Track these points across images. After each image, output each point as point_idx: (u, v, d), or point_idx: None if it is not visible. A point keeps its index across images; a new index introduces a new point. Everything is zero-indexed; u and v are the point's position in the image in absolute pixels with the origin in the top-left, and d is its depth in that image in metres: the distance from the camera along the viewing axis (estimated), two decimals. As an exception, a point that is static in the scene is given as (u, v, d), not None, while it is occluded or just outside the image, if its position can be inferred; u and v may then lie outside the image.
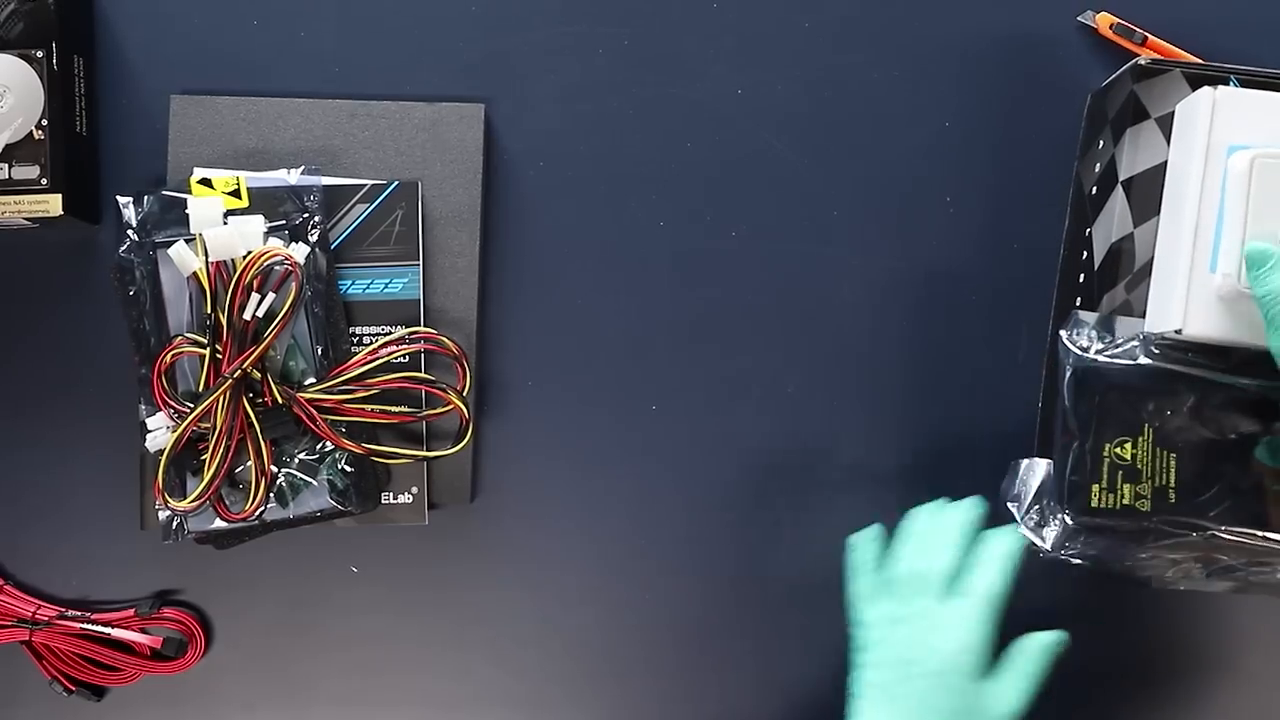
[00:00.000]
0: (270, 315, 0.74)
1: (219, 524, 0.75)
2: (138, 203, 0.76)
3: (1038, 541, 0.71)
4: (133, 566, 0.80)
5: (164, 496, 0.75)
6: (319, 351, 0.76)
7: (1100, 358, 0.69)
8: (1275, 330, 0.62)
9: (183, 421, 0.73)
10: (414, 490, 0.79)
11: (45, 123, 0.75)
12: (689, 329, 0.80)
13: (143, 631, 0.80)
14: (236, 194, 0.77)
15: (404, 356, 0.76)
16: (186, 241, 0.75)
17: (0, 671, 0.80)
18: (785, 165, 0.81)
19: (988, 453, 0.79)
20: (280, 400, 0.74)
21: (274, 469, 0.76)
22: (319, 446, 0.76)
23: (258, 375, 0.74)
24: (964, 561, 0.66)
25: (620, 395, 0.80)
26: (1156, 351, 0.69)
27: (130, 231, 0.76)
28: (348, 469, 0.76)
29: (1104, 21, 0.79)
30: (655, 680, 0.80)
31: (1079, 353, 0.69)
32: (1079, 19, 0.80)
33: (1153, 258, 0.71)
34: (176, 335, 0.75)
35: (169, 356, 0.75)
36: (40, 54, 0.76)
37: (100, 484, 0.79)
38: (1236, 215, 0.65)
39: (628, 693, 0.80)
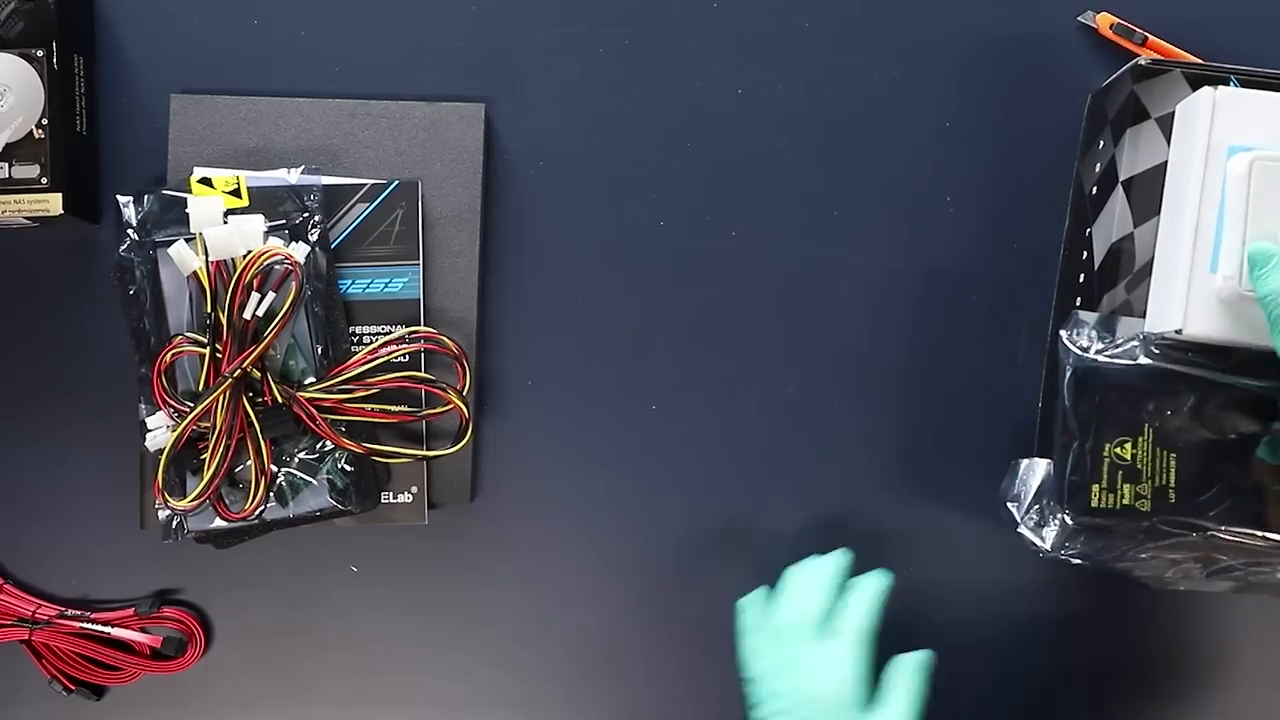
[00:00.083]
0: (270, 315, 0.74)
1: (219, 523, 0.75)
2: (138, 202, 0.76)
3: (1038, 541, 0.72)
4: (132, 566, 0.80)
5: (164, 496, 0.75)
6: (319, 351, 0.76)
7: (1100, 358, 0.69)
8: (1277, 331, 0.62)
9: (183, 421, 0.73)
10: (414, 490, 0.79)
11: (45, 122, 0.75)
12: (689, 329, 0.80)
13: (142, 631, 0.80)
14: (236, 193, 0.77)
15: (404, 356, 0.76)
16: (186, 241, 0.75)
17: (0, 671, 0.80)
18: (785, 165, 0.81)
19: (988, 453, 0.79)
20: (280, 399, 0.74)
21: (274, 468, 0.76)
22: (319, 446, 0.76)
23: (258, 374, 0.74)
24: (835, 606, 0.70)
25: (620, 395, 0.80)
26: (1156, 351, 0.69)
27: (130, 231, 0.76)
28: (347, 468, 0.76)
29: (1104, 21, 0.79)
30: (655, 680, 0.80)
31: (1079, 353, 0.70)
32: (1079, 19, 0.80)
33: (1153, 258, 0.71)
34: (176, 334, 0.75)
35: (169, 356, 0.75)
36: (40, 53, 0.76)
37: (100, 483, 0.79)
38: (1236, 217, 0.65)
39: (628, 693, 0.80)
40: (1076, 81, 0.80)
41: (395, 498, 0.79)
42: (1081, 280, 0.75)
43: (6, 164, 0.75)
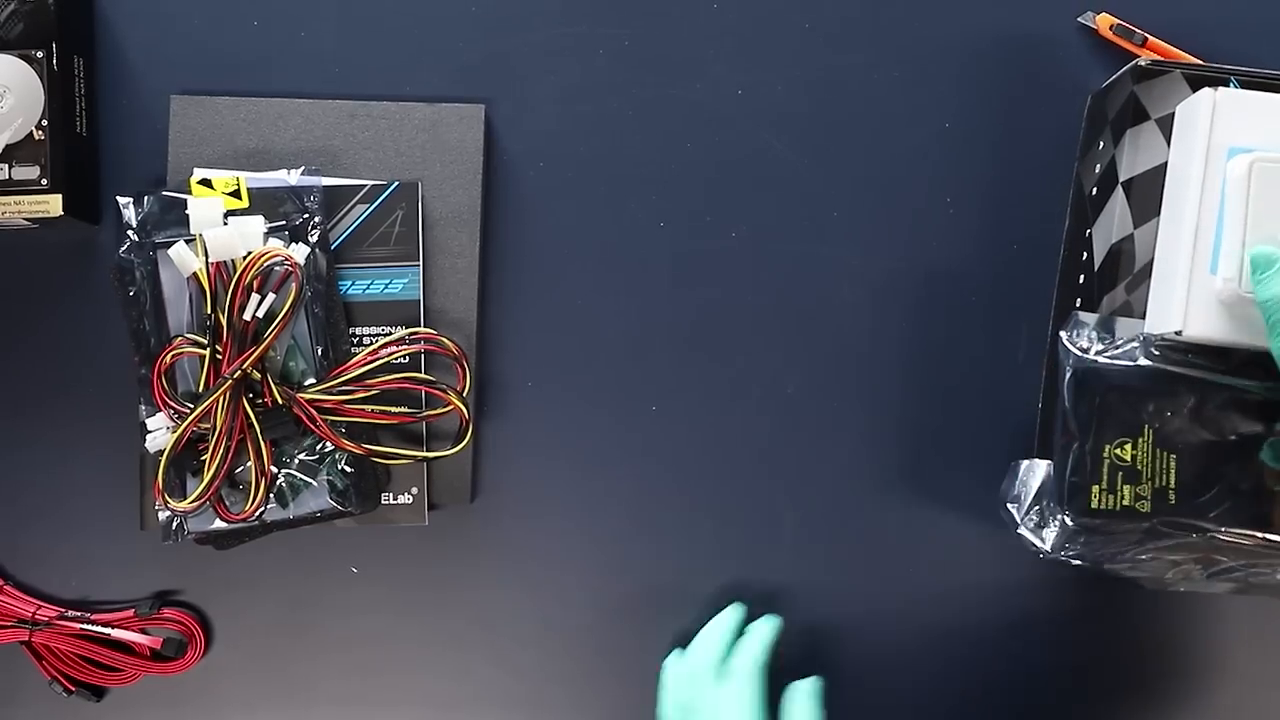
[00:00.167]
0: (270, 316, 0.74)
1: (219, 524, 0.75)
2: (138, 203, 0.76)
3: (1038, 542, 0.72)
4: (132, 567, 0.80)
5: (164, 497, 0.75)
6: (319, 352, 0.76)
7: (1100, 359, 0.69)
8: (1277, 335, 0.62)
9: (183, 422, 0.73)
10: (414, 491, 0.79)
11: (45, 123, 0.75)
12: (689, 329, 0.81)
13: (143, 632, 0.80)
14: (236, 194, 0.77)
15: (404, 357, 0.76)
16: (186, 242, 0.75)
17: (0, 672, 0.80)
18: (785, 166, 0.81)
19: (988, 453, 0.79)
20: (280, 401, 0.74)
21: (274, 469, 0.76)
22: (319, 447, 0.76)
23: (258, 376, 0.74)
24: (732, 651, 0.75)
25: (620, 395, 0.80)
26: (1156, 353, 0.69)
27: (130, 232, 0.76)
28: (348, 469, 0.76)
29: (1104, 22, 0.79)
30: (655, 680, 0.80)
31: (1079, 354, 0.69)
32: (1079, 20, 0.80)
33: (1153, 259, 0.71)
34: (176, 336, 0.75)
35: (169, 357, 0.75)
36: (40, 54, 0.76)
37: (100, 484, 0.79)
38: (1236, 220, 0.65)
39: (628, 693, 0.80)
40: (1076, 82, 0.80)
41: (395, 499, 0.79)
42: (1081, 281, 0.75)
43: (6, 165, 0.75)
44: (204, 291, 0.74)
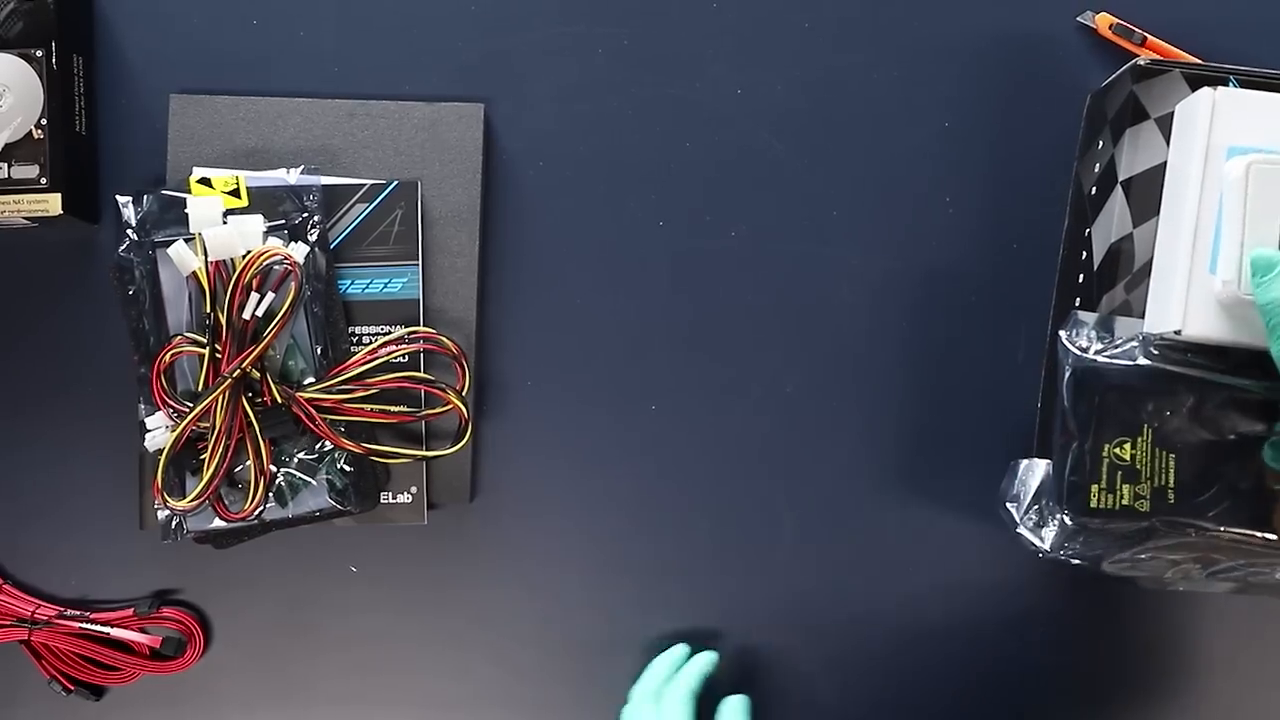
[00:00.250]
0: (269, 315, 0.74)
1: (218, 523, 0.75)
2: (137, 202, 0.76)
3: (1037, 542, 0.71)
4: (132, 566, 0.80)
5: (163, 496, 0.75)
6: (318, 351, 0.76)
7: (1099, 358, 0.69)
8: (1277, 338, 0.62)
9: (182, 421, 0.73)
10: (413, 490, 0.79)
11: (44, 122, 0.75)
12: (688, 329, 0.80)
13: (142, 631, 0.80)
14: (236, 193, 0.77)
15: (403, 356, 0.76)
16: (186, 241, 0.75)
17: (-1, 671, 0.80)
18: (785, 165, 0.81)
19: (987, 453, 0.79)
20: (279, 400, 0.74)
21: (273, 468, 0.76)
22: (318, 446, 0.76)
23: (257, 375, 0.74)
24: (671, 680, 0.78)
25: (619, 395, 0.80)
26: (1156, 352, 0.69)
27: (129, 231, 0.76)
28: (347, 468, 0.76)
29: (1103, 22, 0.79)
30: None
31: (1078, 353, 0.69)
32: (1078, 19, 0.80)
33: (1152, 258, 0.71)
34: (176, 335, 0.75)
35: (168, 356, 0.75)
36: (40, 53, 0.76)
37: (99, 483, 0.79)
38: (1234, 221, 0.65)
39: (627, 692, 0.80)
40: (1076, 82, 0.80)
41: (395, 498, 0.79)
42: (1081, 280, 0.75)
43: (6, 164, 0.75)
44: (203, 290, 0.74)
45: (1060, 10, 0.80)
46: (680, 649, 0.79)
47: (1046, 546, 0.71)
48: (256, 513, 0.75)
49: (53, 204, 0.76)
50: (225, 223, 0.75)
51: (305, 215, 0.77)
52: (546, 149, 0.81)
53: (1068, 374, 0.69)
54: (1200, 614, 0.81)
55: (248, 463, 0.74)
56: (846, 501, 0.80)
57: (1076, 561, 0.72)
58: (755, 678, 0.80)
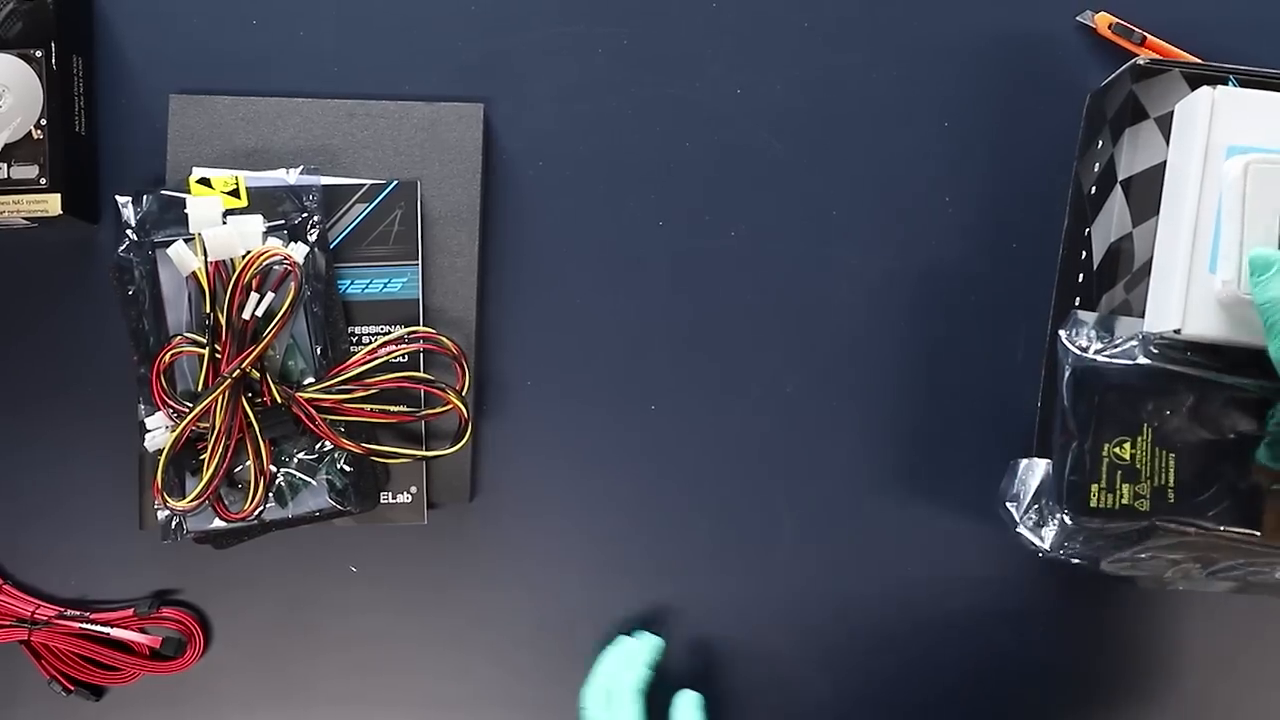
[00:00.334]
0: (269, 315, 0.74)
1: (218, 524, 0.75)
2: (137, 202, 0.76)
3: (1037, 541, 0.71)
4: (132, 566, 0.80)
5: (163, 496, 0.75)
6: (318, 351, 0.76)
7: (1099, 358, 0.69)
8: (1275, 337, 0.62)
9: (182, 421, 0.73)
10: (413, 490, 0.79)
11: (44, 122, 0.75)
12: (688, 329, 0.80)
13: (142, 631, 0.80)
14: (235, 193, 0.77)
15: (403, 356, 0.76)
16: (185, 241, 0.75)
17: (-1, 671, 0.80)
18: (784, 165, 0.81)
19: (987, 452, 0.79)
20: (279, 400, 0.74)
21: (273, 469, 0.76)
22: (318, 446, 0.76)
23: (257, 375, 0.74)
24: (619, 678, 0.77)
25: (619, 395, 0.80)
26: (1155, 351, 0.69)
27: (129, 231, 0.76)
28: (347, 469, 0.76)
29: (1103, 21, 0.79)
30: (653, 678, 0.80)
31: (1078, 352, 0.69)
32: (1078, 19, 0.80)
33: (1151, 257, 0.71)
34: (175, 335, 0.75)
35: (168, 356, 0.75)
36: (39, 53, 0.76)
37: (99, 483, 0.79)
38: (1233, 221, 0.65)
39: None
40: (1075, 81, 0.80)
41: (394, 498, 0.79)
42: (1080, 280, 0.75)
43: (5, 164, 0.75)
44: (203, 291, 0.74)
45: (1060, 10, 0.80)
46: (624, 643, 0.78)
47: (1046, 546, 0.71)
48: (256, 513, 0.75)
49: (52, 204, 0.76)
50: (225, 223, 0.75)
51: (305, 215, 0.77)
52: (546, 149, 0.81)
53: (1067, 373, 0.69)
54: (1200, 614, 0.80)
55: (247, 463, 0.74)
56: (846, 501, 0.80)
57: (1076, 561, 0.72)
58: (754, 677, 0.80)
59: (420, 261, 0.78)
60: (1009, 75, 0.81)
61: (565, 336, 0.80)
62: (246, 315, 0.73)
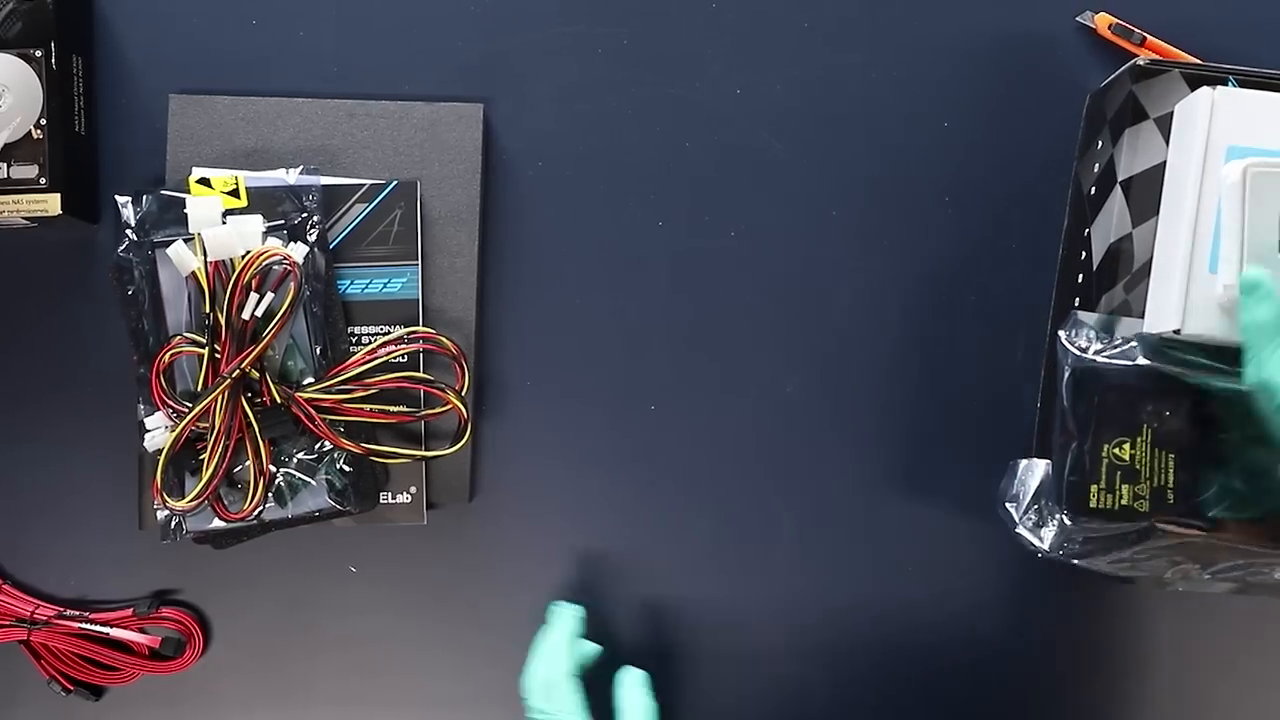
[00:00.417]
0: (269, 315, 0.74)
1: (217, 524, 0.75)
2: (136, 202, 0.76)
3: (1036, 542, 0.71)
4: (131, 566, 0.80)
5: (162, 496, 0.75)
6: (318, 351, 0.76)
7: (1099, 358, 0.69)
8: (1251, 361, 0.62)
9: (181, 421, 0.73)
10: (412, 490, 0.79)
11: (44, 122, 0.75)
12: (687, 329, 0.80)
13: (141, 631, 0.80)
14: (235, 193, 0.77)
15: (402, 356, 0.76)
16: (185, 241, 0.75)
17: (-1, 671, 0.80)
18: (784, 165, 0.81)
19: (986, 452, 0.79)
20: (279, 400, 0.74)
21: (272, 469, 0.76)
22: (317, 446, 0.76)
23: (256, 375, 0.74)
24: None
25: (619, 395, 0.80)
26: (1155, 352, 0.69)
27: (129, 231, 0.76)
28: (346, 469, 0.76)
29: (1103, 22, 0.79)
30: (654, 679, 0.80)
31: (1078, 353, 0.69)
32: (1078, 19, 0.80)
33: (1151, 258, 0.71)
34: (175, 335, 0.75)
35: (167, 356, 0.75)
36: (39, 53, 0.76)
37: (99, 483, 0.79)
38: (1233, 225, 0.65)
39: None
40: (1075, 82, 0.80)
41: (394, 498, 0.79)
42: (1080, 280, 0.75)
43: (5, 164, 0.75)
44: (202, 291, 0.74)
45: (1059, 10, 0.80)
46: (552, 627, 0.76)
47: (1046, 546, 0.71)
48: (256, 513, 0.75)
49: (52, 204, 0.76)
50: (224, 223, 0.75)
51: (304, 215, 0.77)
52: (546, 149, 0.81)
53: (1067, 374, 0.69)
54: (1200, 614, 0.80)
55: (247, 463, 0.74)
56: (845, 501, 0.80)
57: (1076, 561, 0.72)
58: (753, 677, 0.80)
59: (420, 261, 0.78)
60: (1009, 75, 0.81)
61: (565, 336, 0.80)
62: (246, 315, 0.73)
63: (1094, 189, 0.75)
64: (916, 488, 0.80)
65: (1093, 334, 0.70)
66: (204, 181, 0.77)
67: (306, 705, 0.80)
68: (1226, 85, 0.69)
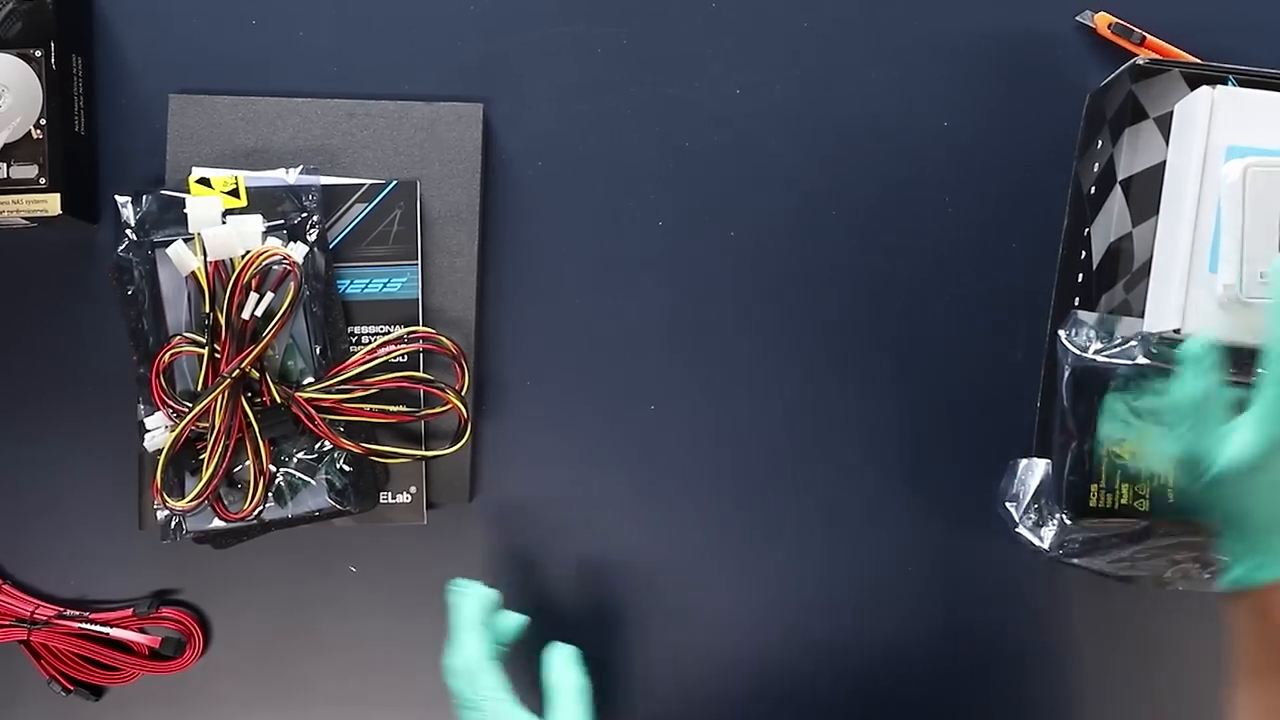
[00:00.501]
0: (269, 315, 0.74)
1: (217, 523, 0.75)
2: (136, 202, 0.76)
3: (1036, 541, 0.72)
4: (131, 566, 0.80)
5: (162, 496, 0.75)
6: (317, 351, 0.76)
7: (1099, 358, 0.69)
8: (1175, 434, 0.61)
9: (181, 421, 0.73)
10: (412, 490, 0.79)
11: (44, 122, 0.75)
12: (687, 329, 0.80)
13: (141, 631, 0.80)
14: (235, 193, 0.77)
15: (402, 356, 0.76)
16: (185, 241, 0.75)
17: (-1, 671, 0.80)
18: (783, 165, 0.81)
19: (987, 453, 0.79)
20: (279, 400, 0.74)
21: (272, 468, 0.76)
22: (317, 446, 0.76)
23: (256, 375, 0.74)
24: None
25: (619, 395, 0.80)
26: (1155, 351, 0.69)
27: (129, 231, 0.76)
28: (346, 468, 0.76)
29: (1102, 21, 0.79)
30: (654, 679, 0.80)
31: (1078, 352, 0.69)
32: (1077, 19, 0.80)
33: (1151, 257, 0.71)
34: (175, 335, 0.75)
35: (167, 356, 0.75)
36: (39, 53, 0.76)
37: (99, 483, 0.79)
38: (1233, 225, 0.65)
39: (626, 691, 0.80)
40: (1075, 81, 0.80)
41: (394, 498, 0.79)
42: (1080, 280, 0.75)
43: (5, 164, 0.75)
44: (202, 290, 0.74)
45: (1059, 10, 0.80)
46: (462, 609, 0.71)
47: (1046, 546, 0.71)
48: (256, 513, 0.75)
49: (52, 204, 0.76)
50: (224, 223, 0.75)
51: (304, 215, 0.77)
52: (546, 149, 0.81)
53: (1067, 373, 0.69)
54: (1200, 614, 0.80)
55: (247, 463, 0.74)
56: (845, 501, 0.80)
57: (1076, 561, 0.72)
58: (754, 677, 0.80)
59: (420, 261, 0.78)
60: (1009, 75, 0.81)
61: (565, 336, 0.80)
62: (246, 315, 0.73)
63: (1094, 188, 0.75)
64: (915, 487, 0.80)
65: (1093, 333, 0.70)
66: (204, 181, 0.77)
67: (306, 705, 0.80)
68: (1226, 85, 0.69)
